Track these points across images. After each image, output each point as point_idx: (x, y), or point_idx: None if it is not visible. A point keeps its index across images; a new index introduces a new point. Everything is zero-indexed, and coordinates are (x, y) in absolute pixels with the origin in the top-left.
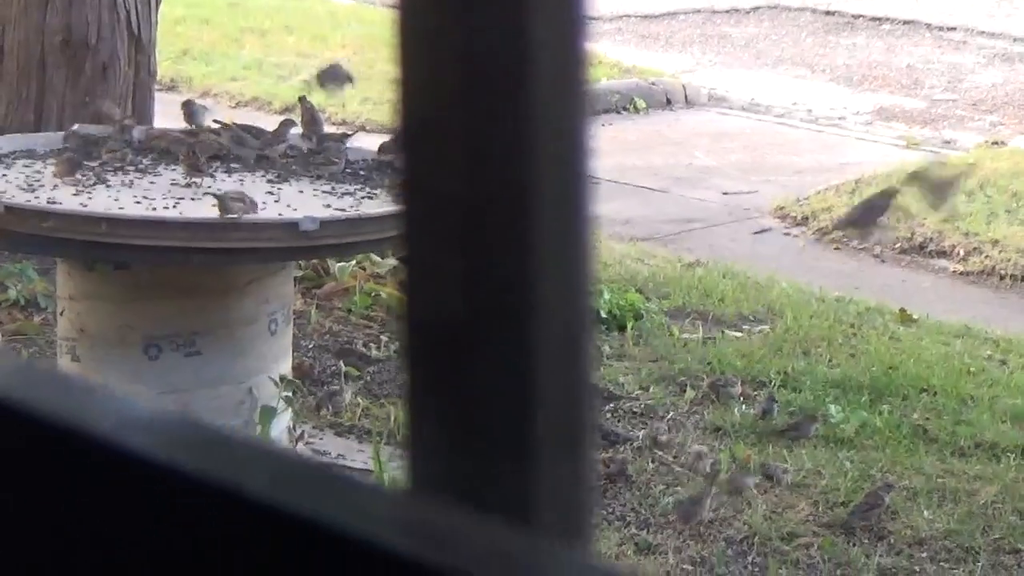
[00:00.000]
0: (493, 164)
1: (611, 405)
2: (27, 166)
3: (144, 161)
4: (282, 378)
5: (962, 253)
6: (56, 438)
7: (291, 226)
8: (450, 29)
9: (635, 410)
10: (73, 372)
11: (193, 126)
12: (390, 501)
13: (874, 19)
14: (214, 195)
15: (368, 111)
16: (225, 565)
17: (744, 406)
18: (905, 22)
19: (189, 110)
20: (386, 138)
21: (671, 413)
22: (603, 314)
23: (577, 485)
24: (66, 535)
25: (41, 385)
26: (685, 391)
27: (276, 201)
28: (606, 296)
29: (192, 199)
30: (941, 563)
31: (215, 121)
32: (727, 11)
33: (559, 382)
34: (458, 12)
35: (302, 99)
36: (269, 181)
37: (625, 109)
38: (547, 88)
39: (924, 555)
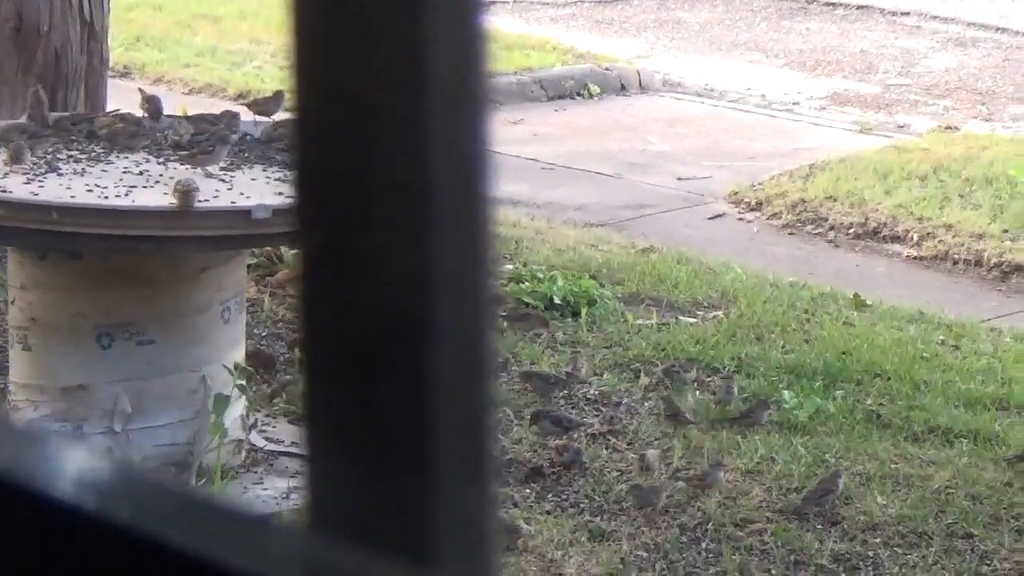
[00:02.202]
0: (385, 166)
1: (564, 391)
2: None
3: (96, 149)
4: (235, 366)
5: (916, 238)
6: None
7: (244, 214)
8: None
9: (589, 396)
10: (25, 360)
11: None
12: (290, 540)
13: (828, 4)
14: (179, 186)
15: None
16: None
17: (698, 392)
18: (859, 7)
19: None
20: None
21: (625, 400)
22: (557, 300)
23: (479, 512)
24: None
25: None
26: (639, 377)
27: (229, 189)
28: (559, 282)
29: (144, 187)
30: (894, 548)
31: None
32: None
33: (460, 404)
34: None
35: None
36: (222, 169)
37: (579, 95)
38: (447, 81)
39: (877, 540)
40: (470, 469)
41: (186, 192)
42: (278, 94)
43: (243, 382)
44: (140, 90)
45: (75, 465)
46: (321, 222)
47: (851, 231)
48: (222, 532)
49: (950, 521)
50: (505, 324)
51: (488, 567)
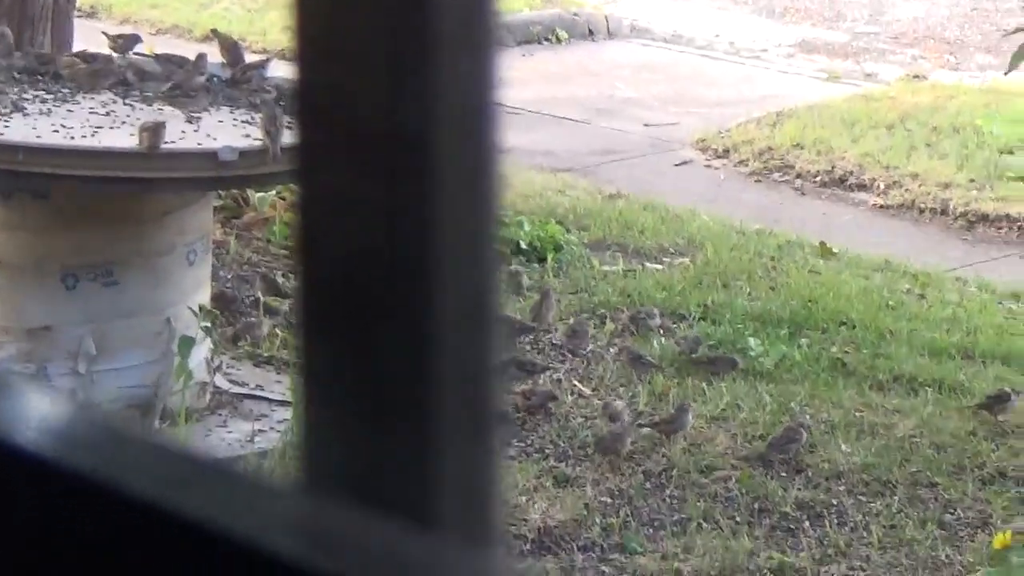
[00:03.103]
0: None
1: (530, 336)
2: None
3: (63, 89)
4: (200, 308)
5: (882, 186)
6: None
7: (210, 156)
8: None
9: (555, 342)
10: None
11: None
12: (281, 498)
13: None
14: (147, 125)
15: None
16: (108, 565)
17: (664, 338)
18: None
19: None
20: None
21: (591, 345)
22: (523, 245)
23: (481, 470)
24: None
25: None
26: (605, 323)
27: (196, 131)
28: (526, 227)
29: (111, 128)
30: (859, 496)
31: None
32: None
33: (463, 357)
34: None
35: (215, 31)
36: (189, 111)
37: (547, 40)
38: (452, 27)
39: (842, 488)
40: (473, 423)
41: (155, 129)
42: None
43: (208, 324)
44: (105, 33)
45: (43, 413)
46: (323, 170)
47: (818, 179)
48: (215, 491)
49: (914, 469)
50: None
51: (491, 524)
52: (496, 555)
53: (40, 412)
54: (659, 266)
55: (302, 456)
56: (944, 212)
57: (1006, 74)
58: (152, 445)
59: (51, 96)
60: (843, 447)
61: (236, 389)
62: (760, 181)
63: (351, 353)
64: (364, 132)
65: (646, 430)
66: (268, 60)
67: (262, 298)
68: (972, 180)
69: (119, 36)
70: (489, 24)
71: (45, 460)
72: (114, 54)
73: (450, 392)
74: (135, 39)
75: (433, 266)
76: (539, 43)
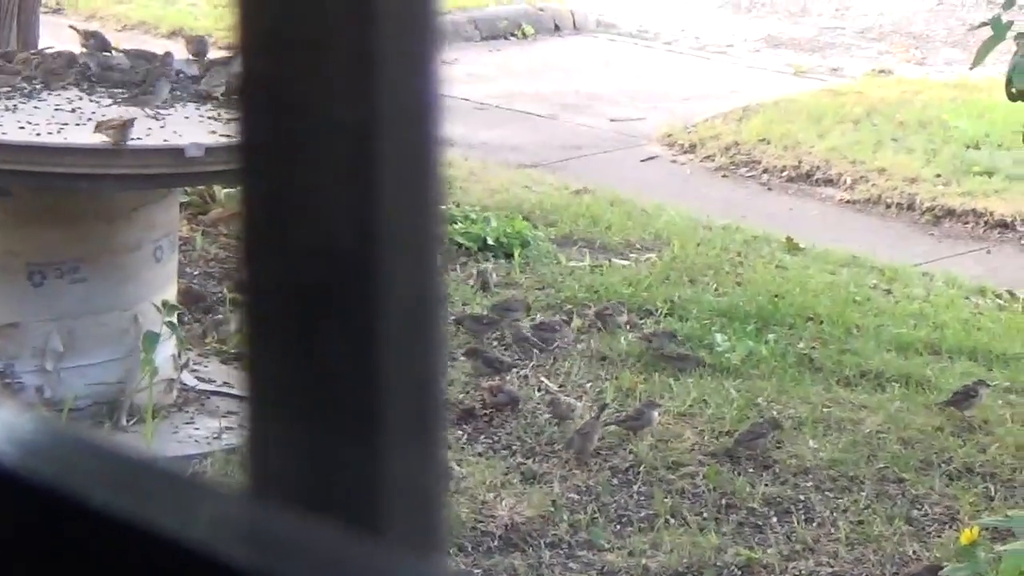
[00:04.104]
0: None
1: (497, 332)
2: None
3: (27, 86)
4: (166, 304)
5: (849, 181)
6: None
7: (176, 152)
8: None
9: (521, 338)
10: None
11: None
12: (228, 503)
13: None
14: (111, 123)
15: None
16: (57, 573)
17: (630, 334)
18: None
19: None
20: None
21: (557, 341)
22: (490, 241)
23: (428, 472)
24: None
25: None
26: (572, 319)
27: (162, 127)
28: (493, 223)
29: (77, 125)
30: (826, 492)
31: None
32: None
33: (408, 359)
34: None
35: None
36: (156, 106)
37: (513, 35)
38: (395, 18)
39: (809, 484)
40: (419, 425)
41: (122, 126)
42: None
43: (173, 320)
44: (72, 27)
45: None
46: (265, 165)
47: (784, 174)
48: (158, 494)
49: (881, 465)
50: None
51: (437, 528)
52: (441, 560)
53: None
54: (626, 262)
55: (248, 460)
56: (911, 207)
57: (972, 68)
58: (100, 450)
59: (16, 92)
60: (810, 443)
61: (203, 386)
62: (727, 176)
63: (295, 354)
64: (305, 128)
65: (613, 427)
66: (234, 56)
67: (229, 294)
68: (938, 175)
69: (90, 33)
70: (431, 17)
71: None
72: (79, 50)
73: (396, 394)
74: (103, 41)
75: (377, 265)
76: (505, 38)
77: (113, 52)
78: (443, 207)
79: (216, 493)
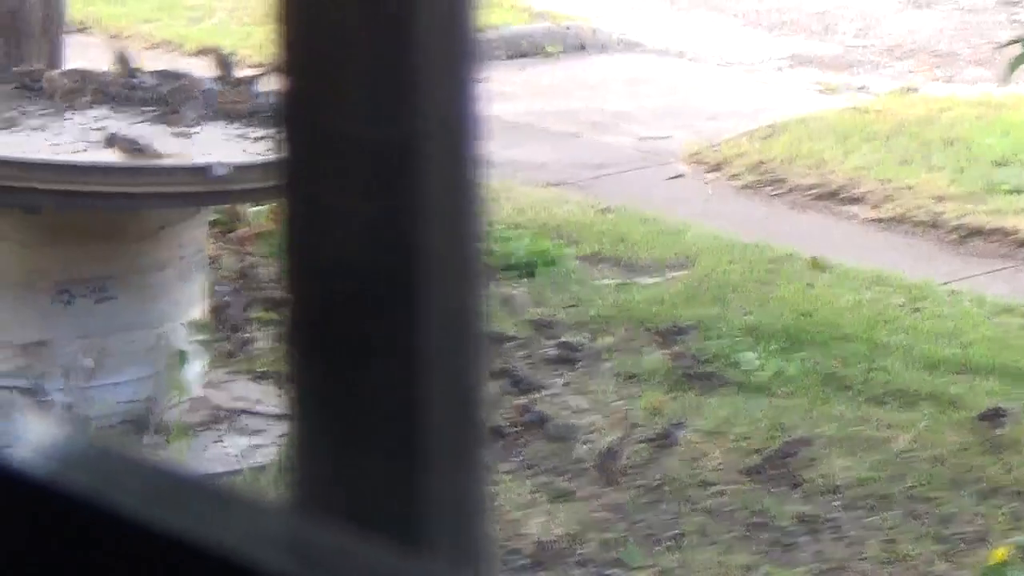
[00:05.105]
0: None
1: (524, 351)
2: None
3: (53, 105)
4: (195, 323)
5: (875, 200)
6: None
7: (203, 171)
8: None
9: (548, 357)
10: None
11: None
12: (272, 518)
13: None
14: (118, 140)
15: None
16: None
17: (658, 353)
18: None
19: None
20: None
21: (585, 360)
22: (516, 260)
23: (469, 488)
24: None
25: None
26: (599, 338)
27: (189, 146)
28: (519, 241)
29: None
30: (855, 511)
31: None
32: None
33: (450, 374)
34: None
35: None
36: (183, 125)
37: (538, 54)
38: (434, 40)
39: (838, 503)
40: (460, 441)
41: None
42: None
43: (202, 338)
44: (118, 52)
45: (35, 434)
46: (307, 184)
47: (811, 192)
48: (204, 510)
49: (911, 484)
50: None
51: (478, 542)
52: (483, 573)
53: (33, 432)
54: (653, 280)
55: (291, 474)
56: (937, 225)
57: (999, 86)
58: (140, 463)
59: (44, 112)
60: (840, 461)
61: (231, 404)
62: (753, 195)
63: (338, 369)
64: (348, 148)
65: (641, 445)
66: (261, 74)
67: (257, 312)
68: (965, 193)
69: (121, 56)
70: (470, 39)
71: (37, 481)
72: (104, 69)
73: (437, 409)
74: (130, 58)
75: (419, 281)
76: (530, 57)
77: (139, 71)
78: (483, 225)
79: (259, 507)
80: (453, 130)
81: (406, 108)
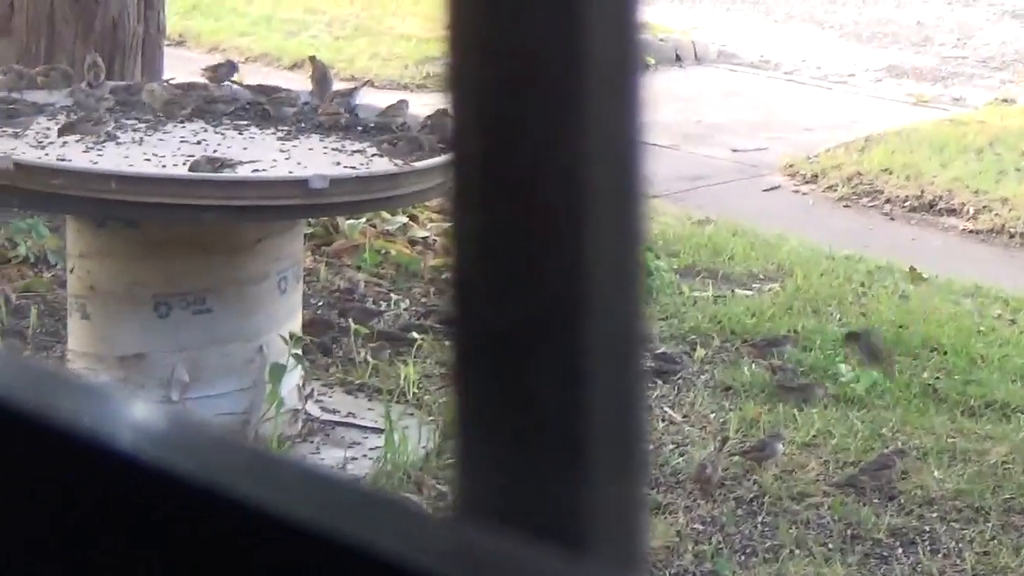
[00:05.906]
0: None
1: None
2: (36, 122)
3: (152, 117)
4: (292, 336)
5: (971, 211)
6: (59, 443)
7: (301, 184)
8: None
9: (645, 369)
10: (84, 329)
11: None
12: (435, 525)
13: None
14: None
15: (377, 67)
16: None
17: (754, 365)
18: None
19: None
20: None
21: (681, 372)
22: None
23: (631, 501)
24: (61, 536)
25: (40, 386)
26: (695, 349)
27: (287, 159)
28: None
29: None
30: (951, 523)
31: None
32: None
33: (613, 393)
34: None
35: (312, 58)
36: (280, 139)
37: None
38: (603, 60)
39: (934, 515)
40: (622, 461)
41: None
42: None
43: (299, 351)
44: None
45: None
46: (478, 206)
47: (907, 204)
48: (364, 513)
49: (1007, 496)
50: None
51: (639, 557)
52: None
53: (163, 426)
54: (749, 292)
55: (456, 484)
56: None
57: None
58: (292, 466)
59: (143, 125)
60: (936, 473)
61: (328, 416)
62: (849, 206)
63: (503, 389)
64: (517, 168)
65: (737, 457)
66: (357, 88)
67: (353, 325)
68: None
69: (216, 66)
70: (636, 52)
71: (178, 475)
72: (203, 81)
73: (601, 423)
74: (231, 67)
75: (585, 302)
76: None
77: (234, 86)
78: (646, 243)
79: (421, 514)
80: (620, 148)
81: (575, 126)
